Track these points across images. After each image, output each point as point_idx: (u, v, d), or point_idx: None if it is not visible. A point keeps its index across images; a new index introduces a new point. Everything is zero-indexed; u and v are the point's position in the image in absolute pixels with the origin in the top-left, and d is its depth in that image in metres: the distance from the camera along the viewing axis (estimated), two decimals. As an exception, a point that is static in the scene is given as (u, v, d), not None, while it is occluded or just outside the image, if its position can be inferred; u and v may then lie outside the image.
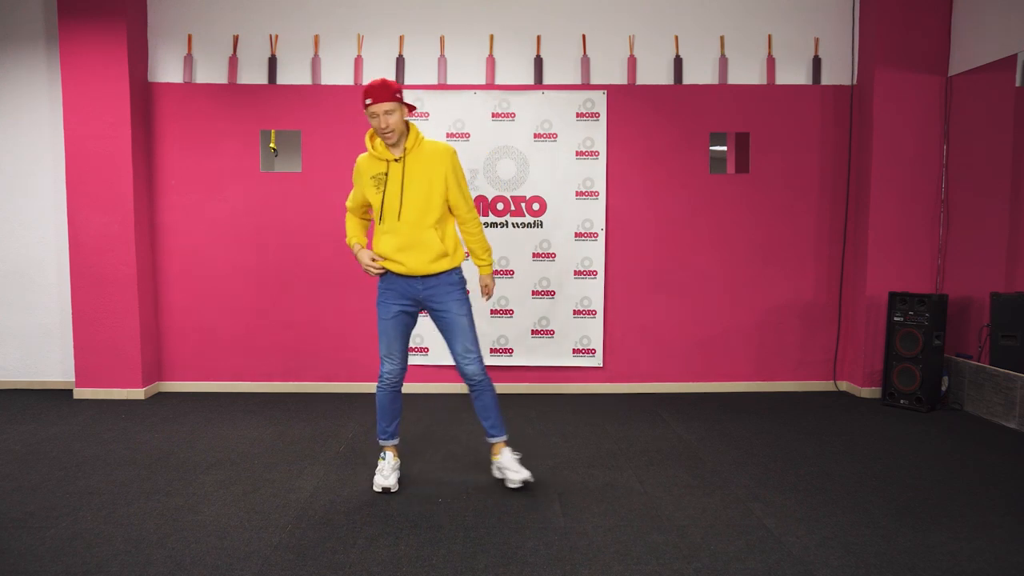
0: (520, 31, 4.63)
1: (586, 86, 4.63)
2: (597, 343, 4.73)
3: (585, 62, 4.62)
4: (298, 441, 3.67)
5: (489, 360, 4.67)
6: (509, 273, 4.67)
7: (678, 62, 4.64)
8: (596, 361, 4.74)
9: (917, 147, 4.54)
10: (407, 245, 2.83)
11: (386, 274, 2.93)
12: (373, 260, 2.88)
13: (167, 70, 4.63)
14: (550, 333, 4.71)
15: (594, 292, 4.69)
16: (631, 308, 4.75)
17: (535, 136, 4.60)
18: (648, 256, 4.73)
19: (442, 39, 4.63)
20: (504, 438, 3.05)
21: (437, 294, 2.89)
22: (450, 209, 2.95)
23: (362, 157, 2.91)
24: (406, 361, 2.99)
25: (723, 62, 4.65)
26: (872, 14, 4.51)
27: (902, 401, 4.35)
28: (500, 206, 4.64)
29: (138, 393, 4.52)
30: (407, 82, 4.63)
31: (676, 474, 3.20)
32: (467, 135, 4.59)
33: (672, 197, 4.71)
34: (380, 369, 2.97)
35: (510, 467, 2.97)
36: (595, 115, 4.62)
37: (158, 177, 4.65)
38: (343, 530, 2.60)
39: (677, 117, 4.66)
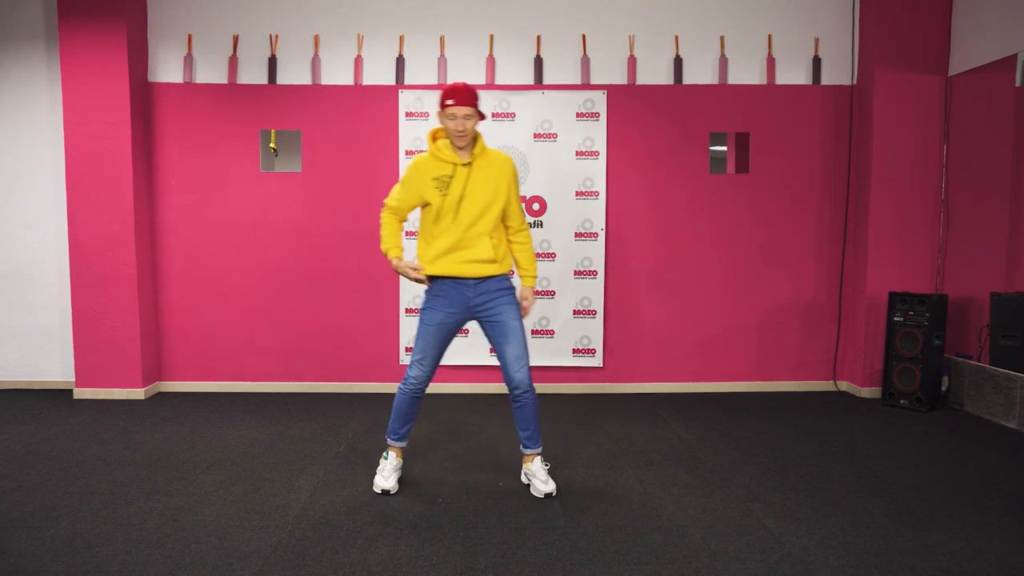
0: (520, 31, 4.63)
1: (586, 86, 4.63)
2: (597, 343, 4.73)
3: (585, 62, 4.62)
4: (298, 441, 3.67)
5: (489, 360, 4.68)
6: (509, 273, 4.66)
7: (678, 62, 4.64)
8: (596, 361, 4.74)
9: (917, 147, 4.54)
10: (459, 247, 2.80)
11: (435, 281, 2.88)
12: (415, 267, 2.83)
13: (167, 70, 4.63)
14: (550, 333, 4.71)
15: (594, 292, 4.70)
16: (631, 308, 4.75)
17: (535, 136, 4.60)
18: (648, 256, 4.73)
19: (442, 39, 4.63)
20: (539, 450, 2.99)
21: (489, 300, 2.86)
22: (504, 219, 2.92)
23: (422, 157, 2.86)
24: (435, 370, 2.93)
25: (723, 62, 4.65)
26: (872, 14, 4.51)
27: (902, 401, 4.35)
28: (500, 206, 4.64)
29: (138, 393, 4.52)
30: (407, 82, 4.63)
31: (676, 474, 3.20)
32: (467, 135, 4.58)
33: (672, 197, 4.71)
34: (407, 372, 2.91)
35: (539, 476, 2.93)
36: (595, 115, 4.62)
37: (158, 177, 4.65)
38: (343, 530, 2.60)
39: (677, 117, 4.67)
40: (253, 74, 4.64)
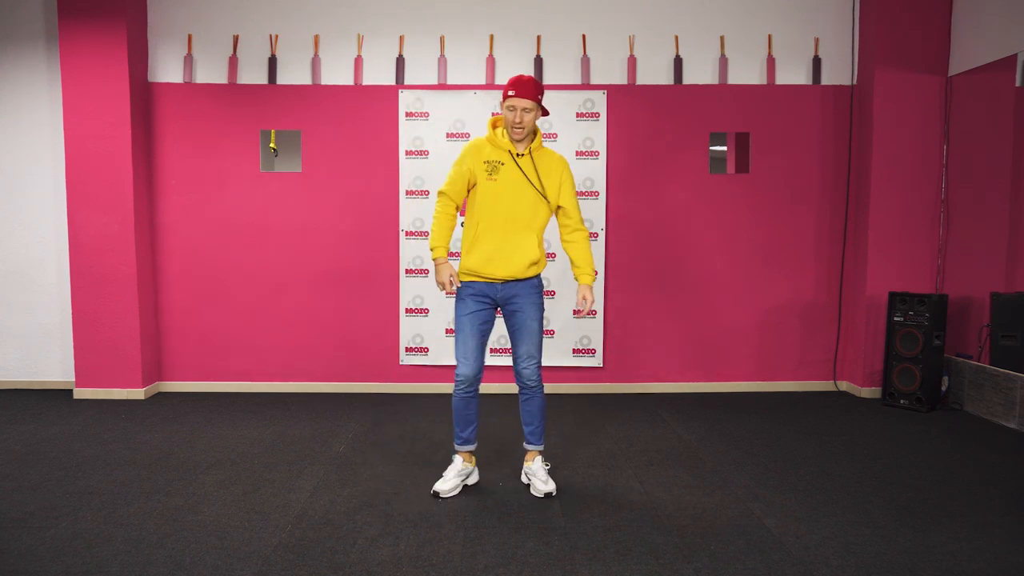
0: (520, 31, 4.63)
1: (586, 86, 4.63)
2: (597, 343, 4.73)
3: (585, 62, 4.62)
4: (298, 441, 3.67)
5: (489, 360, 4.67)
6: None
7: (678, 62, 4.64)
8: (596, 361, 4.74)
9: (917, 147, 4.54)
10: (504, 247, 2.82)
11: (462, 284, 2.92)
12: (451, 281, 2.84)
13: (167, 70, 4.63)
14: (550, 333, 4.71)
15: (594, 292, 4.69)
16: (631, 308, 4.75)
17: (535, 136, 4.60)
18: (648, 256, 4.73)
19: (442, 39, 4.63)
20: (541, 448, 3.01)
21: (516, 295, 2.88)
22: (561, 218, 2.95)
23: (479, 139, 2.90)
24: (482, 363, 2.90)
25: (723, 62, 4.65)
26: (872, 14, 4.51)
27: (902, 401, 4.35)
28: (500, 206, 4.63)
29: (138, 393, 4.52)
30: (407, 82, 4.63)
31: (676, 474, 3.20)
32: (467, 135, 4.59)
33: (672, 197, 4.71)
34: (456, 371, 2.88)
35: (539, 475, 2.94)
36: (595, 115, 4.62)
37: (158, 177, 4.65)
38: (343, 530, 2.60)
39: (677, 117, 4.67)
40: (253, 74, 4.64)
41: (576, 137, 4.62)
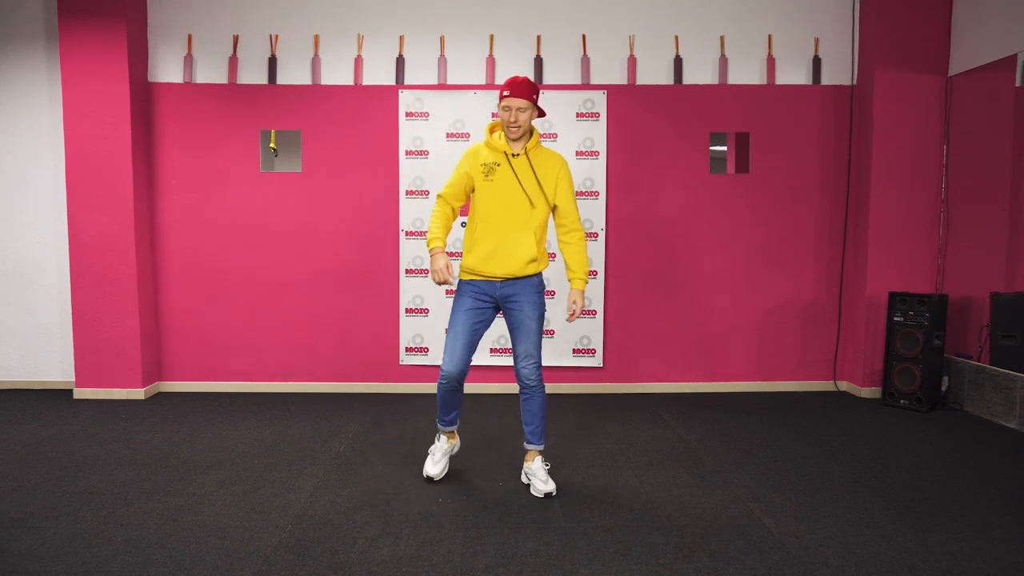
0: (520, 31, 4.63)
1: (586, 86, 4.63)
2: (597, 343, 4.73)
3: (585, 62, 4.62)
4: (298, 441, 3.67)
5: (489, 360, 4.68)
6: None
7: (678, 62, 4.64)
8: (596, 361, 4.74)
9: (917, 147, 4.54)
10: (502, 245, 2.85)
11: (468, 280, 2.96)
12: (448, 267, 2.82)
13: (167, 70, 4.63)
14: (550, 333, 4.71)
15: (594, 292, 4.69)
16: (631, 308, 4.75)
17: (535, 136, 4.60)
18: (648, 256, 4.73)
19: (442, 39, 4.63)
20: (541, 447, 3.02)
21: (515, 293, 2.91)
22: (557, 218, 2.97)
23: (476, 144, 2.97)
24: (468, 363, 2.94)
25: (723, 62, 4.65)
26: (872, 14, 4.51)
27: (902, 401, 4.35)
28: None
29: (138, 393, 4.52)
30: (407, 82, 4.63)
31: (676, 474, 3.20)
32: (467, 135, 4.59)
33: (672, 197, 4.71)
34: (441, 367, 2.95)
35: (539, 476, 2.95)
36: (595, 115, 4.62)
37: (158, 177, 4.65)
38: (343, 530, 2.60)
39: (677, 117, 4.67)
40: (253, 74, 4.64)
41: (576, 137, 4.62)
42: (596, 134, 4.62)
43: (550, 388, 4.71)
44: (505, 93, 2.79)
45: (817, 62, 4.67)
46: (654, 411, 4.30)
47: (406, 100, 4.61)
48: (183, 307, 4.71)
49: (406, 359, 4.74)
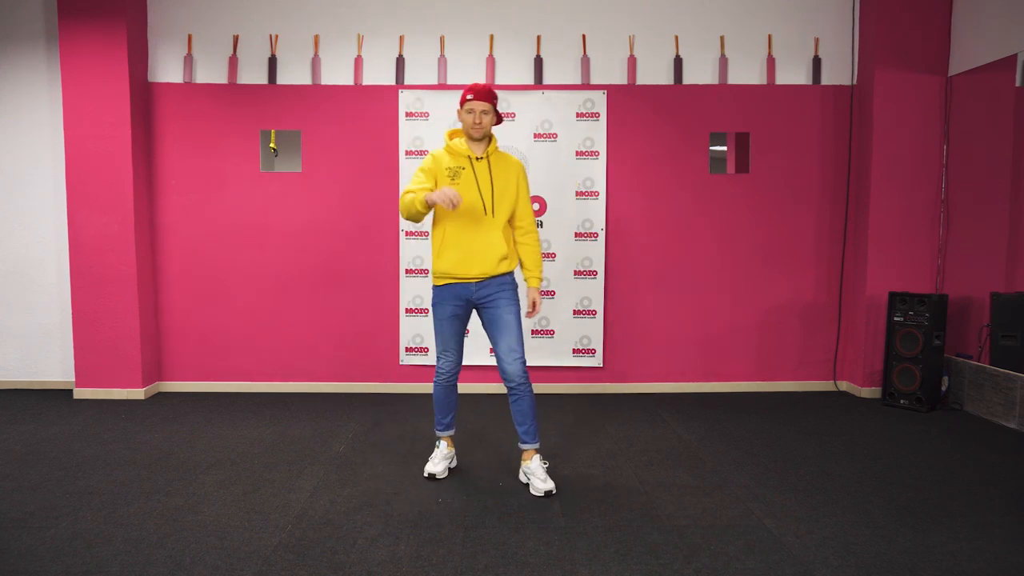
0: (520, 31, 4.63)
1: (586, 86, 4.63)
2: (597, 343, 4.73)
3: (585, 62, 4.62)
4: (298, 441, 3.67)
5: (489, 360, 4.68)
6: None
7: (678, 62, 4.64)
8: (596, 361, 4.74)
9: (917, 147, 4.54)
10: (473, 245, 2.93)
11: (443, 286, 3.03)
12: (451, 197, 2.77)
13: (167, 70, 4.63)
14: (550, 333, 4.71)
15: (594, 292, 4.70)
16: (631, 308, 4.75)
17: (535, 136, 4.60)
18: (648, 256, 4.73)
19: (442, 39, 4.63)
20: (536, 445, 3.05)
21: (490, 293, 2.99)
22: (514, 220, 3.07)
23: (438, 151, 3.04)
24: (461, 356, 3.10)
25: (723, 62, 4.65)
26: (872, 14, 4.51)
27: (902, 401, 4.35)
28: (500, 206, 4.63)
29: (138, 393, 4.52)
30: (407, 82, 4.63)
31: (676, 474, 3.20)
32: (467, 135, 4.59)
33: (672, 197, 4.71)
34: (436, 364, 3.10)
35: (537, 474, 2.97)
36: (595, 115, 4.62)
37: (158, 177, 4.65)
38: (343, 530, 2.60)
39: (677, 117, 4.67)
40: (253, 74, 4.64)
41: (576, 137, 4.62)
42: (596, 134, 4.62)
43: (550, 388, 4.73)
44: (469, 97, 2.91)
45: (817, 62, 4.67)
46: (654, 411, 4.30)
47: (406, 100, 4.61)
48: (183, 307, 4.71)
49: (406, 359, 4.74)
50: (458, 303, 3.02)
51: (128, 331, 4.49)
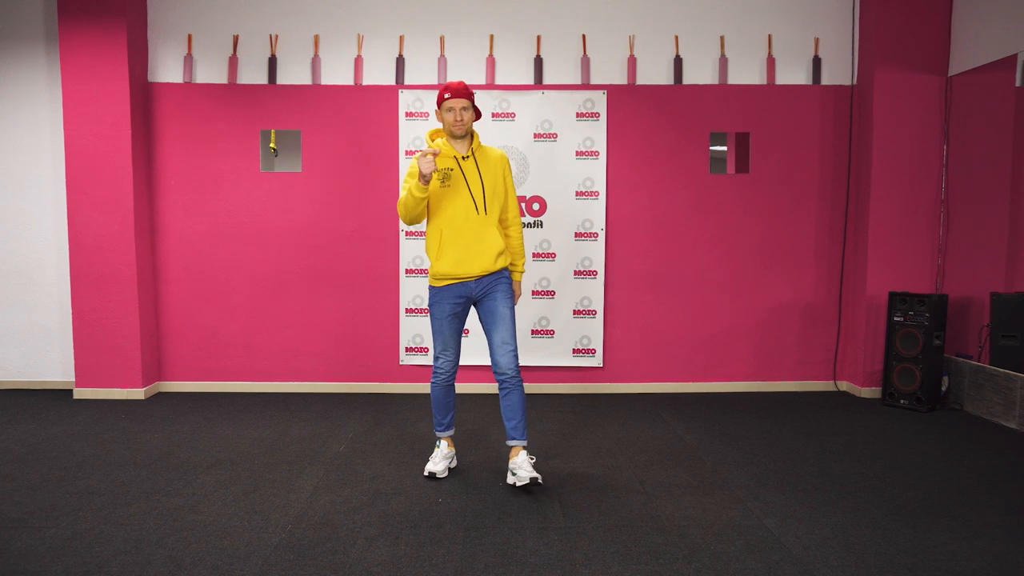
0: (520, 31, 4.63)
1: (586, 86, 4.63)
2: (597, 343, 4.73)
3: (585, 62, 4.62)
4: (298, 441, 3.67)
5: (488, 360, 4.67)
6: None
7: (678, 62, 4.64)
8: (596, 361, 4.74)
9: (917, 147, 4.54)
10: (471, 244, 2.96)
11: (442, 286, 3.03)
12: (429, 152, 2.78)
13: (167, 70, 4.63)
14: (550, 333, 4.71)
15: (594, 292, 4.70)
16: (631, 308, 4.75)
17: (535, 136, 4.60)
18: (648, 256, 4.73)
19: (442, 39, 4.63)
20: (524, 443, 3.05)
21: (487, 286, 3.03)
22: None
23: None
24: (458, 356, 3.12)
25: (723, 62, 4.65)
26: (872, 14, 4.51)
27: (902, 401, 4.35)
28: (500, 206, 4.64)
29: (138, 393, 4.52)
30: (407, 82, 4.63)
31: (676, 474, 3.20)
32: (467, 135, 4.59)
33: (672, 197, 4.71)
34: (434, 365, 3.11)
35: (522, 467, 2.96)
36: (595, 115, 4.62)
37: (158, 177, 4.65)
38: (343, 530, 2.60)
39: (677, 117, 4.67)
40: (253, 74, 4.64)
41: (576, 137, 4.62)
42: (596, 134, 4.62)
43: (550, 388, 4.73)
44: (446, 96, 2.93)
45: (817, 62, 4.67)
46: (654, 411, 4.30)
47: (406, 100, 4.61)
48: (183, 307, 4.71)
49: (406, 359, 4.74)
50: (458, 301, 3.04)
51: (128, 331, 4.49)
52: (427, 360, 4.73)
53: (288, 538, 2.53)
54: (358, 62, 4.62)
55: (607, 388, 4.77)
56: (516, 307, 3.21)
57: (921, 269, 4.62)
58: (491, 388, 4.72)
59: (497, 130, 4.58)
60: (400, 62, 4.62)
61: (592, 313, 4.71)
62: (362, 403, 4.45)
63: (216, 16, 4.61)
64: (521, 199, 4.63)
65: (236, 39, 4.61)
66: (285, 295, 4.71)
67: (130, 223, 4.43)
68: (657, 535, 2.56)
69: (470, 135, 3.03)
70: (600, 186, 4.65)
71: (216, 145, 4.63)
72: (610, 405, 4.44)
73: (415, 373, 4.76)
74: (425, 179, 2.81)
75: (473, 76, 4.63)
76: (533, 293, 4.69)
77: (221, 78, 4.62)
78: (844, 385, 4.83)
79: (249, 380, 4.75)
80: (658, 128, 4.67)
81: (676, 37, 4.64)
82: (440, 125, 3.08)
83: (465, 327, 3.20)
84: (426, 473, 3.14)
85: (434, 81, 4.63)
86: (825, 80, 4.69)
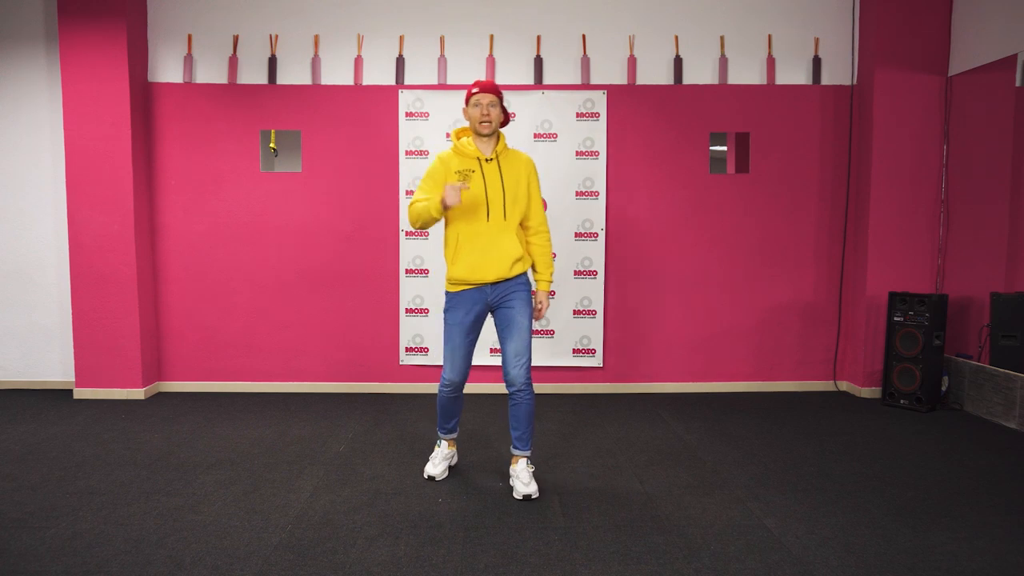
0: (520, 31, 4.63)
1: (586, 86, 4.63)
2: (597, 343, 4.73)
3: (585, 62, 4.62)
4: (298, 441, 3.67)
5: (489, 360, 4.68)
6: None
7: (678, 62, 4.64)
8: (596, 361, 4.74)
9: (917, 147, 4.54)
10: (488, 250, 2.87)
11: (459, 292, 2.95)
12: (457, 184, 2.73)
13: (167, 70, 4.63)
14: (550, 333, 4.71)
15: (594, 292, 4.70)
16: (631, 308, 4.75)
17: (535, 136, 4.60)
18: (648, 256, 4.73)
19: (442, 39, 4.63)
20: (527, 453, 3.01)
21: (507, 294, 2.94)
22: (524, 220, 2.99)
23: (445, 152, 2.95)
24: (468, 369, 3.01)
25: (723, 62, 4.65)
26: (872, 14, 4.51)
27: (902, 401, 4.35)
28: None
29: (138, 393, 4.52)
30: (407, 82, 4.63)
31: (676, 474, 3.20)
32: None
33: (672, 197, 4.71)
34: (443, 374, 3.00)
35: (521, 478, 2.94)
36: (595, 115, 4.62)
37: (158, 177, 4.65)
38: (343, 530, 2.60)
39: (677, 117, 4.67)
40: (253, 74, 4.64)
41: (576, 137, 4.62)
42: (596, 134, 4.62)
43: (550, 388, 4.73)
44: (474, 91, 2.85)
45: (817, 62, 4.67)
46: (654, 411, 4.30)
47: (406, 100, 4.61)
48: (183, 307, 4.71)
49: (406, 359, 4.74)
50: (474, 307, 2.94)
51: (128, 331, 4.49)
52: (427, 360, 4.73)
53: (288, 538, 2.53)
54: (358, 62, 4.62)
55: (607, 388, 4.77)
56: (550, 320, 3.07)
57: (921, 269, 4.62)
58: (492, 388, 4.72)
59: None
60: (400, 62, 4.62)
61: (592, 313, 4.71)
62: (362, 403, 4.45)
63: (216, 16, 4.61)
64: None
65: (236, 39, 4.61)
66: (285, 295, 4.71)
67: (130, 223, 4.43)
68: (657, 535, 2.56)
69: (496, 136, 2.92)
70: (600, 186, 4.65)
71: (216, 145, 4.63)
72: (610, 405, 4.44)
73: (415, 373, 4.76)
74: (446, 207, 2.73)
75: (473, 76, 4.63)
76: (533, 293, 4.68)
77: (221, 78, 4.62)
78: (844, 385, 4.83)
79: (249, 380, 4.75)
80: (658, 128, 4.67)
81: (676, 37, 4.64)
82: (468, 123, 2.96)
83: (479, 334, 3.08)
84: (425, 475, 3.12)
85: (434, 81, 4.63)
86: (825, 80, 4.69)
